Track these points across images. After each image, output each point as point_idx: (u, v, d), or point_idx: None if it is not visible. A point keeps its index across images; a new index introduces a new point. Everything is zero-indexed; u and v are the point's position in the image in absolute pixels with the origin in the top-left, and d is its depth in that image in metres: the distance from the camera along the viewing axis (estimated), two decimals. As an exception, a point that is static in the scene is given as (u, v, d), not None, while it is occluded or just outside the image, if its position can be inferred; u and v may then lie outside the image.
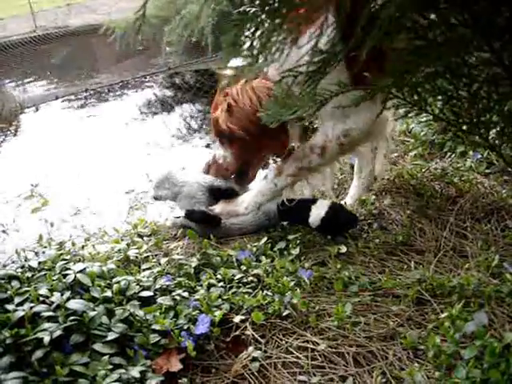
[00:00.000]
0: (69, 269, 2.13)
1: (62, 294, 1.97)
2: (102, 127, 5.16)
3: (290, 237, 2.49)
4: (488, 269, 2.21)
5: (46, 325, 1.81)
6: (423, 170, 3.06)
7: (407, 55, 1.08)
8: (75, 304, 1.91)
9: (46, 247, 2.45)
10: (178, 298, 2.08)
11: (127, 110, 5.91)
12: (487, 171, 3.03)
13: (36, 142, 4.50)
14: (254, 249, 2.42)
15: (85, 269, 2.11)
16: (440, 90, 1.20)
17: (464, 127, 1.26)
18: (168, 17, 7.23)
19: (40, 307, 1.90)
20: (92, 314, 1.87)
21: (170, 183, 2.79)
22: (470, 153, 3.14)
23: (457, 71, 1.16)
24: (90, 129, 5.04)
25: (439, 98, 1.24)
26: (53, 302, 1.92)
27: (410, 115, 1.38)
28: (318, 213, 2.51)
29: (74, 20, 9.83)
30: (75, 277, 2.06)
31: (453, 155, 3.20)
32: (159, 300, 2.06)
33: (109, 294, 2.03)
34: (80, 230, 2.79)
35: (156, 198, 2.86)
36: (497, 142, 1.36)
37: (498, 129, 1.27)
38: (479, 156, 3.10)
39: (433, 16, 1.11)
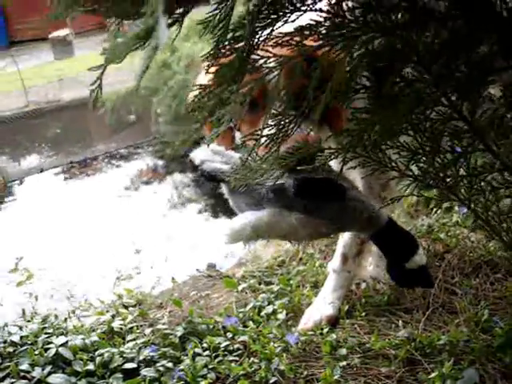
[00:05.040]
0: (51, 342, 2.09)
1: (43, 369, 1.94)
2: (91, 199, 5.19)
3: (277, 302, 2.45)
4: (477, 324, 2.18)
5: (26, 401, 1.78)
6: (410, 228, 3.04)
7: (365, 113, 1.10)
8: (56, 379, 1.89)
9: (29, 321, 2.41)
10: (162, 369, 2.02)
11: (118, 181, 5.95)
12: (473, 225, 3.01)
13: (21, 215, 4.53)
14: (241, 315, 2.38)
15: (67, 342, 2.08)
16: (403, 146, 1.21)
17: (431, 182, 1.27)
18: (156, 88, 7.39)
19: (20, 383, 1.87)
20: (73, 388, 1.84)
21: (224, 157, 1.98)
22: (456, 208, 3.14)
23: (419, 126, 1.18)
24: (78, 201, 5.07)
25: (404, 153, 1.25)
26: (33, 377, 1.89)
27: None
28: (421, 258, 2.13)
29: (65, 94, 10.00)
30: (57, 350, 2.03)
31: (439, 211, 3.20)
32: (143, 372, 2.01)
33: (91, 367, 1.99)
34: (66, 303, 2.75)
35: (207, 176, 1.97)
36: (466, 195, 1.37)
37: (466, 182, 1.28)
38: (465, 210, 3.09)
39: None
